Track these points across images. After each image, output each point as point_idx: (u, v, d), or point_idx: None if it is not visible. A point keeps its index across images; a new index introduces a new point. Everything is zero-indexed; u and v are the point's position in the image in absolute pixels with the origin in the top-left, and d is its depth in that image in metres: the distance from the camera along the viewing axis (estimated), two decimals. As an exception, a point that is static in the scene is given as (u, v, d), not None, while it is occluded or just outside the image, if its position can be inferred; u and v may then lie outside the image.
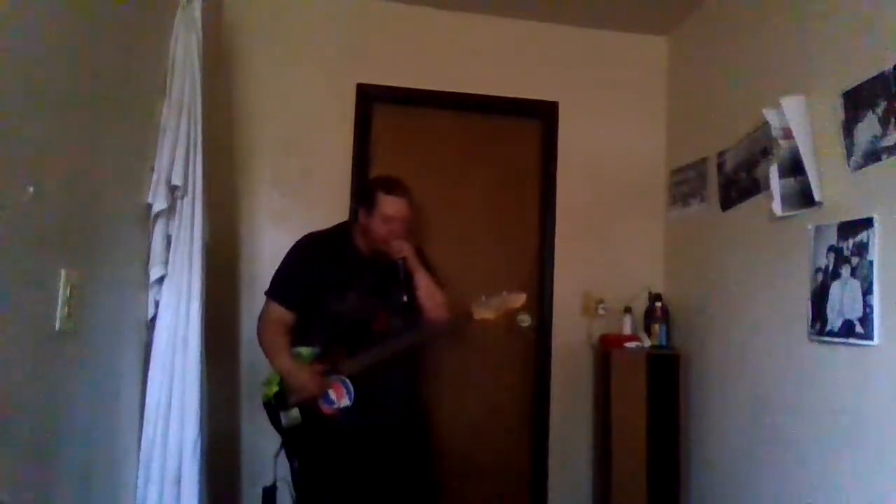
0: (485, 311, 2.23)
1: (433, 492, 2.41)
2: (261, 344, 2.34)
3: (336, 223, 2.49)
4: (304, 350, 2.28)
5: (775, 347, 2.29)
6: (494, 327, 2.27)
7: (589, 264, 3.19)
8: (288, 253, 2.40)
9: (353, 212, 2.35)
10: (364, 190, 2.35)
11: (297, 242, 2.42)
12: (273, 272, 2.96)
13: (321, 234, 2.43)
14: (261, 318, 2.36)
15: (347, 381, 2.22)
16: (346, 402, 2.21)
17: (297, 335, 2.30)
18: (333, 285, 2.30)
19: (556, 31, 3.26)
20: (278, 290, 2.34)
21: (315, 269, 2.32)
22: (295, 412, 2.25)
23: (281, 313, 2.30)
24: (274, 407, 2.29)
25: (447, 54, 3.16)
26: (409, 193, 2.32)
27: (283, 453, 2.38)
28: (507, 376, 3.19)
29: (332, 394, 2.22)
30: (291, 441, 2.30)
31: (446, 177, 3.15)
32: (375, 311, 2.30)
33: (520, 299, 2.26)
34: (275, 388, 2.29)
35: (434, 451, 2.49)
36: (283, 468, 2.79)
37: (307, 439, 2.27)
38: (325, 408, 2.23)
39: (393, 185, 2.30)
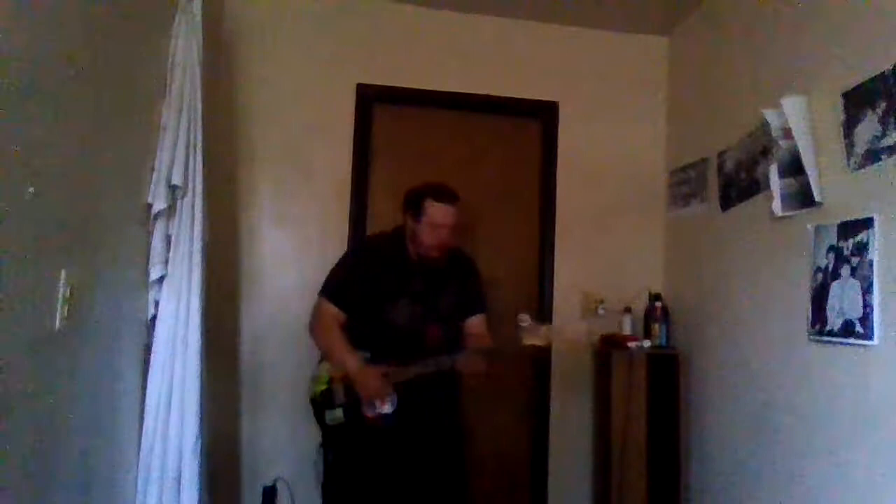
0: (534, 339, 2.23)
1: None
2: (316, 340, 2.37)
3: (392, 228, 2.47)
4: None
5: (775, 347, 2.29)
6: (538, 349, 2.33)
7: (589, 265, 3.19)
8: (344, 255, 2.44)
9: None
10: (411, 196, 2.36)
11: (353, 246, 2.46)
12: (271, 271, 2.98)
13: (377, 238, 2.47)
14: (314, 315, 2.37)
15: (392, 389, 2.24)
16: (388, 408, 2.24)
17: (350, 337, 2.32)
18: (385, 291, 2.33)
19: (556, 31, 3.26)
20: (332, 290, 2.35)
21: (369, 273, 2.34)
22: (339, 412, 2.28)
23: (334, 313, 2.32)
24: (320, 404, 2.32)
25: (447, 54, 3.16)
26: (458, 200, 2.33)
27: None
28: (507, 376, 3.18)
29: (377, 400, 2.25)
30: (331, 437, 2.36)
31: (446, 177, 3.08)
32: (426, 323, 2.34)
33: (581, 328, 2.29)
34: (322, 386, 2.31)
35: (467, 469, 2.49)
36: (283, 467, 2.81)
37: (346, 438, 2.31)
38: (369, 412, 2.25)
39: (441, 192, 2.31)
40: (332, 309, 2.32)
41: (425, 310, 2.34)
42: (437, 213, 2.28)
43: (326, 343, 2.34)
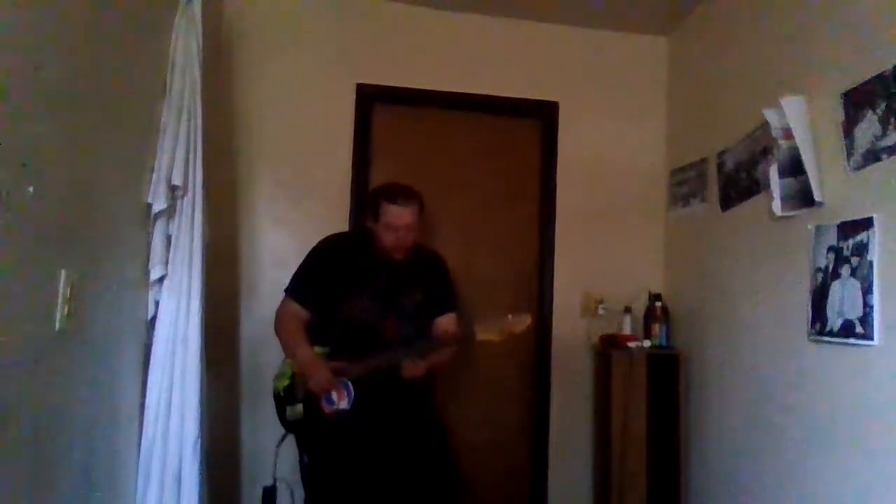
0: (488, 334, 2.19)
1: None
2: (278, 336, 2.40)
3: (362, 225, 2.47)
4: (316, 349, 2.31)
5: (775, 347, 2.29)
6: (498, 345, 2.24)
7: (589, 264, 3.20)
8: (309, 253, 2.45)
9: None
10: (370, 197, 2.39)
11: (319, 243, 2.46)
12: (271, 271, 2.98)
13: (343, 235, 2.49)
14: (278, 312, 2.42)
15: (350, 384, 2.24)
16: (344, 404, 2.24)
17: (312, 334, 2.34)
18: (347, 288, 2.34)
19: (556, 31, 3.26)
20: (295, 288, 2.40)
21: (332, 270, 2.36)
22: (299, 407, 2.29)
23: (296, 310, 2.36)
24: (282, 400, 2.34)
25: (447, 54, 3.16)
26: (415, 200, 2.31)
27: (285, 446, 2.46)
28: (507, 376, 3.19)
29: (334, 395, 2.24)
30: (298, 435, 2.39)
31: (446, 177, 3.15)
32: (385, 318, 2.33)
33: (524, 322, 2.16)
34: (286, 382, 2.33)
35: (449, 464, 2.45)
36: (282, 467, 2.80)
37: (310, 435, 2.34)
38: (326, 407, 2.26)
39: (396, 194, 2.30)
40: (294, 307, 2.36)
41: (387, 306, 2.34)
42: (391, 214, 2.28)
43: (284, 338, 2.36)
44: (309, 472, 2.38)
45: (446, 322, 2.42)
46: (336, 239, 2.50)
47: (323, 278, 2.36)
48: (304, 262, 2.44)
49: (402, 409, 2.32)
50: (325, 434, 2.29)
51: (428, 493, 2.31)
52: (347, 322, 2.32)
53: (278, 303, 2.92)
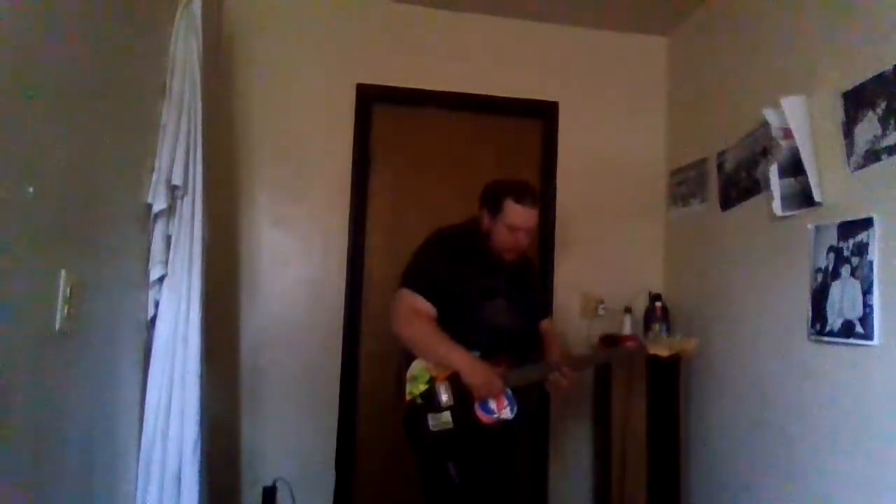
0: (659, 348, 2.24)
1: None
2: (411, 337, 2.10)
3: (466, 220, 2.29)
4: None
5: (775, 347, 2.29)
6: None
7: (589, 264, 3.20)
8: (427, 246, 2.22)
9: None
10: (491, 192, 2.18)
11: (436, 237, 2.24)
12: (271, 271, 2.97)
13: (458, 230, 2.26)
14: (401, 310, 2.11)
15: (510, 391, 2.08)
16: (507, 414, 2.07)
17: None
18: (481, 288, 2.16)
19: (556, 31, 3.26)
20: (421, 283, 2.11)
21: (459, 267, 2.14)
22: (447, 415, 2.04)
23: (427, 308, 2.08)
24: (421, 407, 2.06)
25: (447, 54, 3.16)
26: (538, 203, 2.18)
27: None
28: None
29: (491, 402, 2.07)
30: (440, 445, 2.09)
31: (446, 177, 3.15)
32: (524, 321, 2.23)
33: (691, 343, 2.24)
34: (422, 387, 2.07)
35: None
36: (282, 468, 2.81)
37: (460, 445, 2.08)
38: (484, 416, 2.06)
39: (524, 193, 2.13)
40: (424, 304, 2.08)
41: (518, 309, 2.20)
42: (517, 216, 2.11)
43: (426, 339, 2.08)
44: (455, 485, 2.07)
45: (549, 325, 2.40)
46: (454, 233, 2.26)
47: (451, 275, 2.12)
48: (424, 256, 2.19)
49: (530, 420, 2.34)
50: (480, 443, 2.09)
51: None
52: (491, 327, 2.13)
53: (278, 302, 2.95)
